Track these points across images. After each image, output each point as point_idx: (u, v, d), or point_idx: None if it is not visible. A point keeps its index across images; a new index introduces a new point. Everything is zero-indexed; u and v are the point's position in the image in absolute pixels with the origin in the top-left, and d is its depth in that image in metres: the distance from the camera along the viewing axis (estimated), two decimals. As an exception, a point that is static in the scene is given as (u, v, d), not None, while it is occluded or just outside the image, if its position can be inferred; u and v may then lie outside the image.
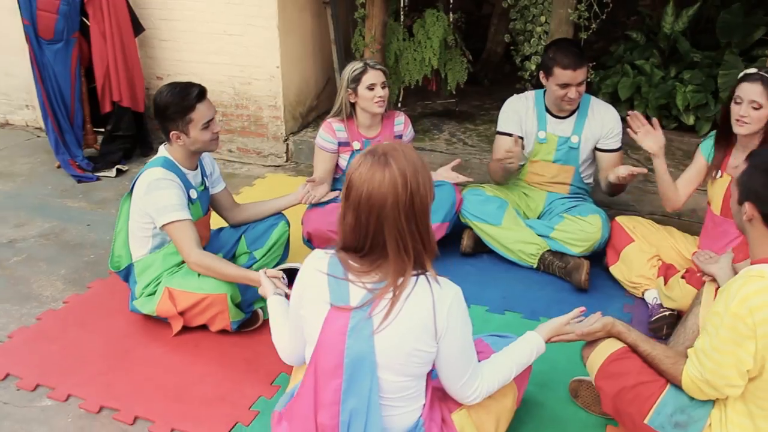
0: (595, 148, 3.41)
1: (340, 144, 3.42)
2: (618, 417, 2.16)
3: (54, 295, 3.13)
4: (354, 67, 3.32)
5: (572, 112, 3.39)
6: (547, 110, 3.42)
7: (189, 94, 2.68)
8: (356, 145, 3.43)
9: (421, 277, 1.83)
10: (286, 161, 4.79)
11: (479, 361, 2.18)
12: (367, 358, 1.82)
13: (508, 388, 2.16)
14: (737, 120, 2.74)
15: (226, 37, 4.60)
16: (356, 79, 3.30)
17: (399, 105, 4.90)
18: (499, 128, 3.52)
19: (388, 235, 1.77)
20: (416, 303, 1.81)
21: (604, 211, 3.38)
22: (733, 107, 2.76)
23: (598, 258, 3.31)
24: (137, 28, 4.58)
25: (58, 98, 4.42)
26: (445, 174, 3.46)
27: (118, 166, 4.52)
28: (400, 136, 3.54)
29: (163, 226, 2.69)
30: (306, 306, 1.91)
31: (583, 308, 2.22)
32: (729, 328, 1.83)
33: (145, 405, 2.44)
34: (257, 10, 4.44)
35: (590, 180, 3.54)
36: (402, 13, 4.60)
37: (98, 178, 4.44)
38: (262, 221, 3.15)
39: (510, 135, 3.50)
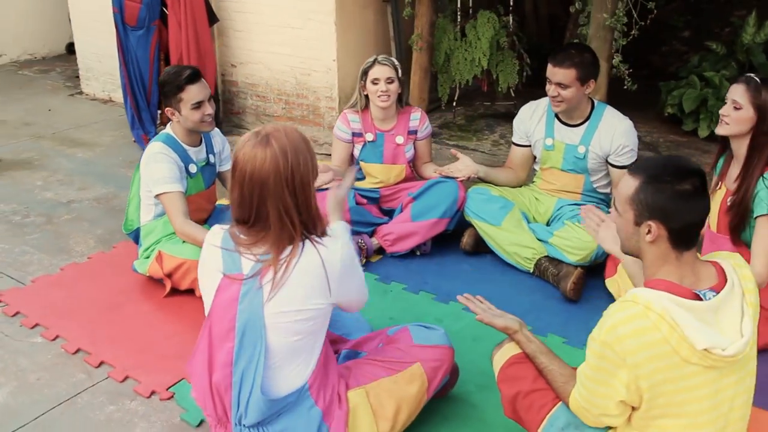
0: (607, 162, 3.30)
1: (354, 134, 3.55)
2: (519, 423, 2.12)
3: (83, 251, 3.51)
4: (367, 61, 3.44)
5: (584, 121, 3.30)
6: (558, 117, 3.35)
7: (180, 75, 2.93)
8: (369, 137, 3.54)
9: (306, 242, 1.94)
10: (339, 151, 4.97)
11: (384, 347, 2.26)
12: (257, 323, 1.95)
13: (415, 376, 2.19)
14: (720, 120, 2.69)
15: (289, 30, 4.86)
16: (365, 73, 3.43)
17: (454, 104, 4.94)
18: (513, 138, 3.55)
19: (272, 208, 1.89)
20: (305, 268, 1.91)
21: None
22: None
23: (600, 270, 3.20)
24: (212, 18, 4.94)
25: (137, 79, 4.88)
26: (452, 168, 3.48)
27: (183, 144, 4.91)
28: (415, 132, 3.60)
29: (156, 195, 2.96)
30: (203, 277, 2.07)
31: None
32: (598, 356, 1.73)
33: (113, 352, 2.71)
34: (316, 5, 4.66)
35: (607, 189, 3.42)
36: (459, 14, 4.63)
37: (163, 154, 4.86)
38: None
39: (519, 145, 3.50)
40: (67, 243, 3.60)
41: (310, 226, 1.95)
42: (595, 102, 3.35)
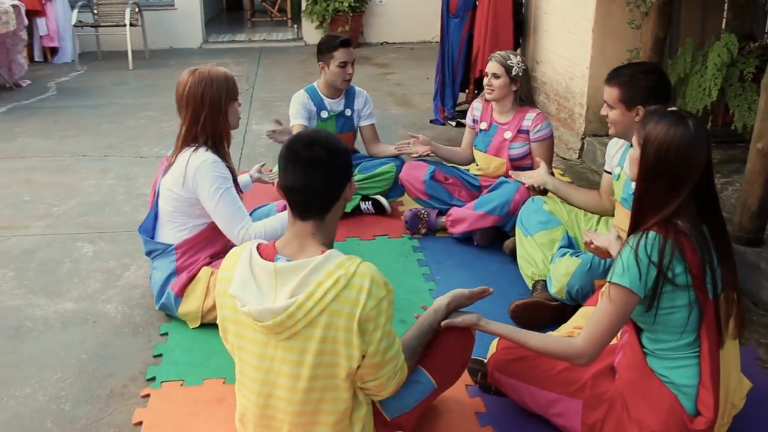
0: None
1: (474, 120, 3.87)
2: None
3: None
4: None
5: (644, 152, 2.93)
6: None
7: (337, 38, 3.86)
8: (483, 125, 3.81)
9: (196, 146, 2.82)
10: (578, 158, 4.99)
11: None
12: (158, 189, 2.97)
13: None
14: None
15: (568, 34, 5.04)
16: None
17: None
18: None
19: (182, 116, 2.85)
20: (182, 159, 2.85)
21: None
22: None
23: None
24: (517, 15, 5.48)
25: (449, 59, 5.81)
26: (526, 173, 3.52)
27: (460, 120, 5.67)
28: (527, 132, 3.67)
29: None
30: None
31: None
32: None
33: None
34: (584, 12, 4.74)
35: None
36: (723, 34, 4.08)
37: (443, 123, 5.75)
38: (384, 158, 4.04)
39: (606, 172, 3.27)
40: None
41: (209, 140, 2.82)
42: None
